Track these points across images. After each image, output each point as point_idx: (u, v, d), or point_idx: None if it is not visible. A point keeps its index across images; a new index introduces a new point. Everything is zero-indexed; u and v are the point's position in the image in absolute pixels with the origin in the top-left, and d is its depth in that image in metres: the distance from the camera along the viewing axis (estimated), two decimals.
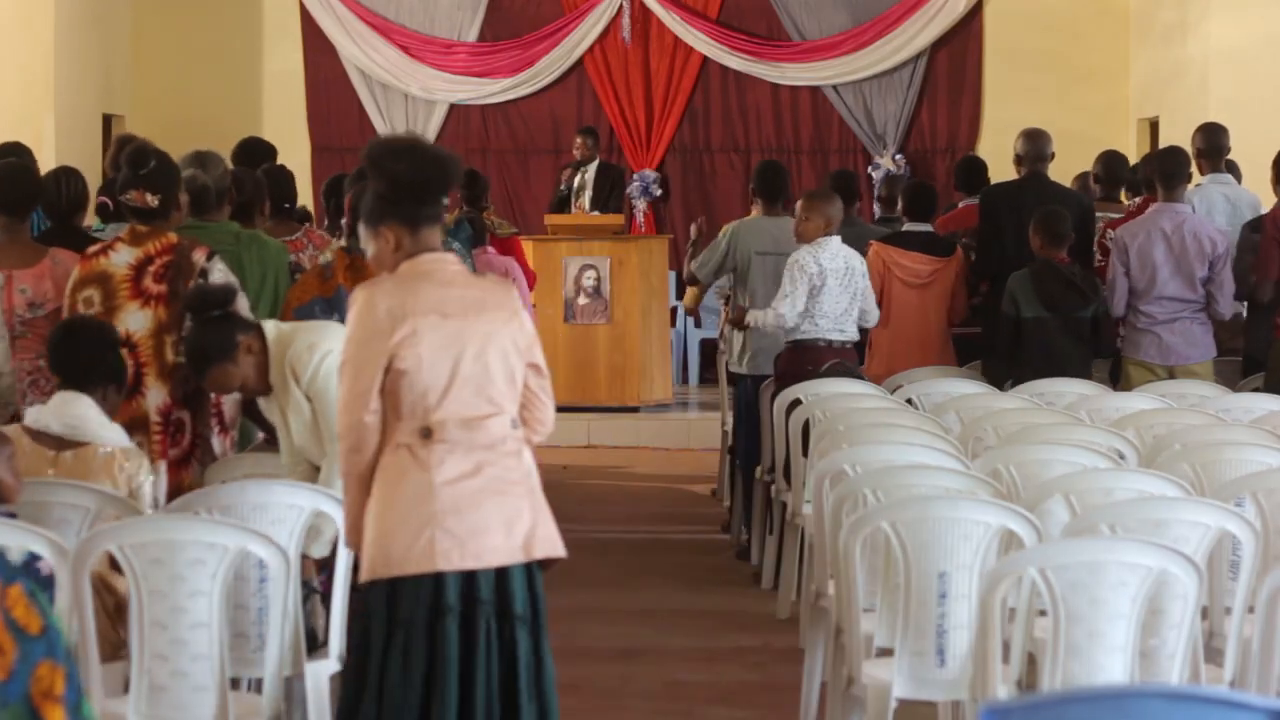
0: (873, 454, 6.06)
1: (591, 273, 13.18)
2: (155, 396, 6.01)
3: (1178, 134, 11.55)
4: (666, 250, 13.96)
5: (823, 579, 5.98)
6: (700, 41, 15.89)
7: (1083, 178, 11.13)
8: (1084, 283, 8.51)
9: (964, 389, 7.93)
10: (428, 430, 4.50)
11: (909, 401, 7.79)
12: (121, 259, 6.08)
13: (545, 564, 4.67)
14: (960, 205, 10.37)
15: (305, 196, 12.27)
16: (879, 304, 8.94)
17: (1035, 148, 9.43)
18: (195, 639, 4.74)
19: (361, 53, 16.06)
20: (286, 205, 7.68)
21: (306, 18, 16.11)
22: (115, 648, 4.97)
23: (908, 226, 9.56)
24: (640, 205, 15.94)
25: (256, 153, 8.46)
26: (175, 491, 5.79)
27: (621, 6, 15.84)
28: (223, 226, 6.73)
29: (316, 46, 16.16)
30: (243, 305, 5.74)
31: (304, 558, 5.20)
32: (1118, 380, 8.70)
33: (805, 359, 8.35)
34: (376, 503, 4.53)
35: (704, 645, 7.60)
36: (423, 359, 4.50)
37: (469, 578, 4.50)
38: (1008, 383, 8.21)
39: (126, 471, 5.28)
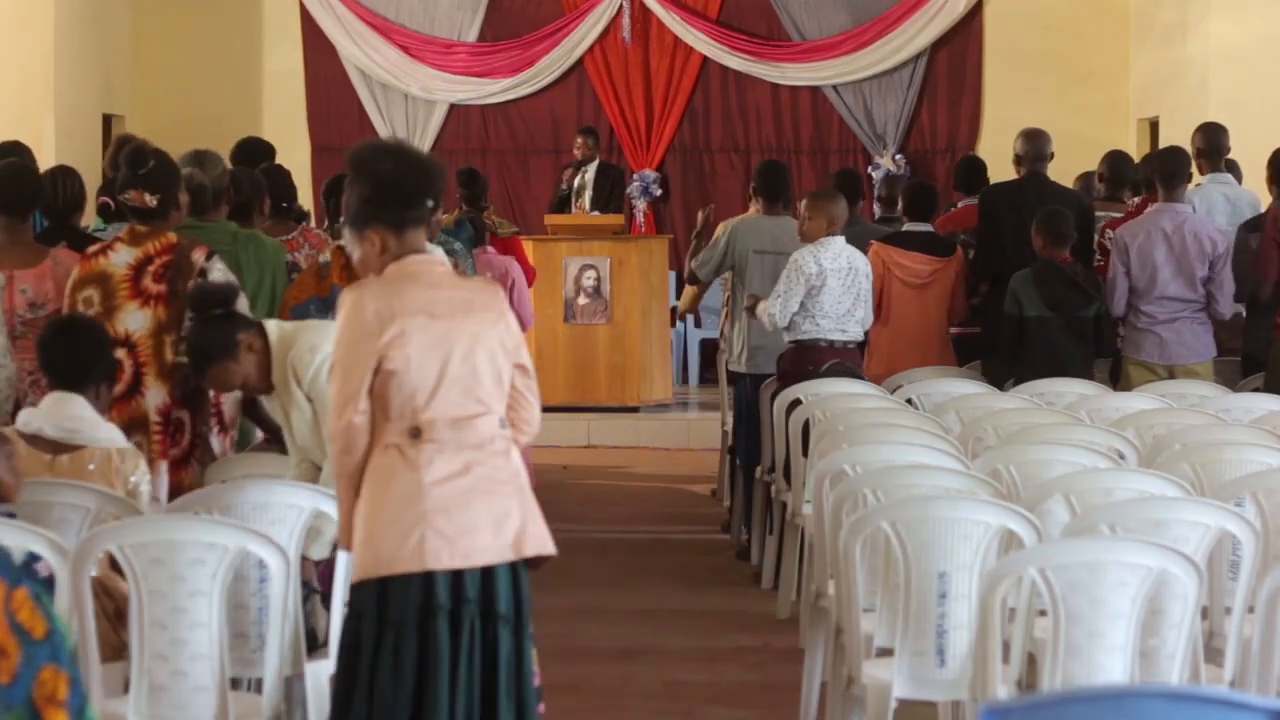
0: (873, 454, 6.06)
1: (591, 273, 13.18)
2: (155, 396, 6.01)
3: (1178, 134, 11.55)
4: (666, 250, 13.96)
5: (823, 579, 5.98)
6: (700, 41, 15.89)
7: (1085, 177, 11.13)
8: (1087, 282, 8.51)
9: (964, 389, 7.93)
10: (417, 430, 4.52)
11: (909, 401, 7.79)
12: (121, 259, 6.08)
13: (537, 562, 4.68)
14: (960, 205, 10.37)
15: (305, 196, 12.26)
16: (879, 304, 8.93)
17: (1035, 148, 9.43)
18: (195, 639, 4.74)
19: (361, 53, 16.06)
20: (284, 205, 7.69)
21: (306, 18, 16.11)
22: (116, 650, 4.97)
23: (908, 226, 9.56)
24: (640, 205, 15.94)
25: (255, 152, 8.46)
26: (175, 491, 5.79)
27: (621, 6, 15.84)
28: (220, 226, 6.73)
29: (316, 46, 16.15)
30: (242, 305, 5.74)
31: (303, 558, 5.20)
32: (1118, 380, 8.70)
33: (806, 359, 8.35)
34: (366, 503, 4.54)
35: (704, 645, 7.60)
36: (411, 359, 4.51)
37: (456, 577, 4.52)
38: (1008, 383, 8.21)
39: (123, 472, 5.28)
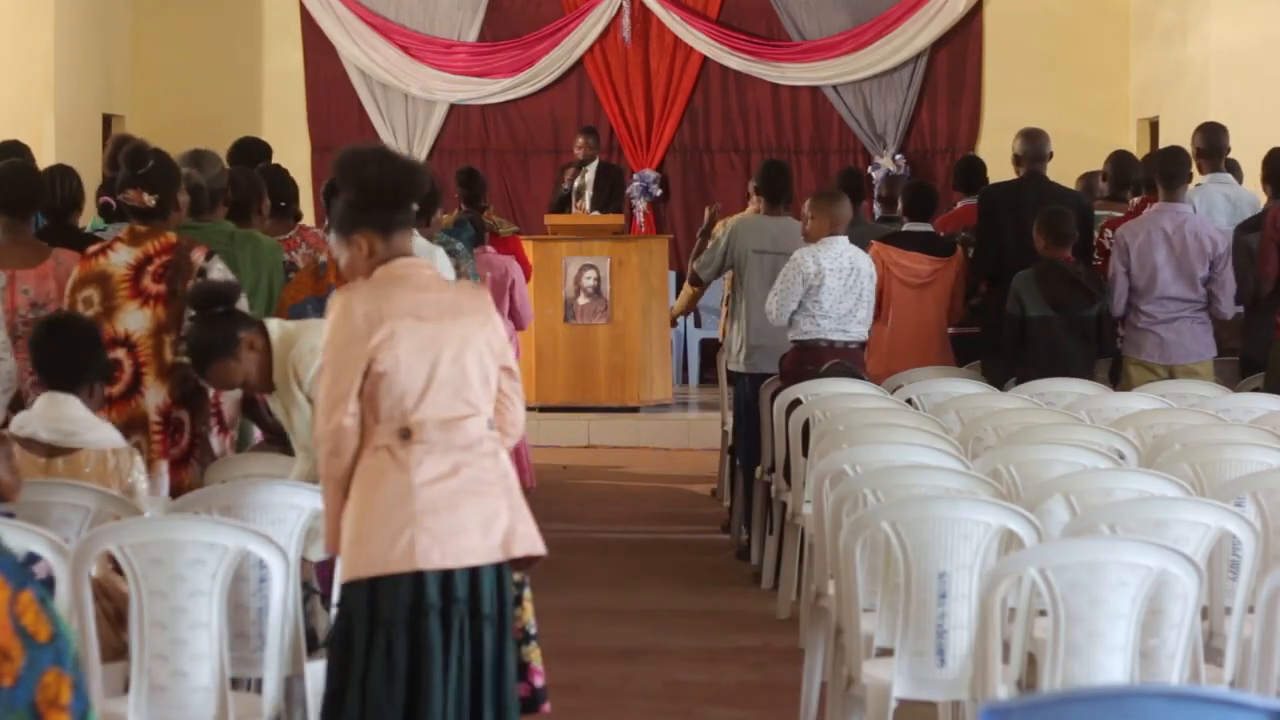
0: (873, 454, 6.06)
1: (591, 273, 13.18)
2: (154, 396, 6.01)
3: (1178, 134, 11.55)
4: (666, 250, 13.97)
5: (823, 579, 5.98)
6: (700, 41, 15.88)
7: (1088, 177, 11.13)
8: (1089, 282, 8.52)
9: (964, 389, 7.93)
10: (406, 431, 4.55)
11: (909, 401, 7.79)
12: (120, 259, 6.08)
13: (527, 562, 4.72)
14: (959, 205, 10.37)
15: (305, 196, 12.26)
16: (878, 303, 8.93)
17: (1033, 147, 9.43)
18: (195, 639, 4.74)
19: (361, 53, 16.05)
20: (282, 204, 7.69)
21: (306, 18, 16.11)
22: (116, 651, 4.97)
23: (907, 226, 9.56)
24: (640, 205, 15.93)
25: (252, 152, 8.45)
26: (175, 491, 5.80)
27: (621, 6, 15.84)
28: (217, 226, 6.73)
29: (316, 46, 16.15)
30: (244, 304, 5.74)
31: (303, 559, 5.20)
32: (1118, 380, 8.70)
33: (806, 359, 8.35)
34: (355, 504, 4.57)
35: (704, 645, 7.60)
36: (400, 361, 4.55)
37: (446, 576, 4.56)
38: (1008, 382, 8.21)
39: (120, 472, 5.27)
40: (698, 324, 15.12)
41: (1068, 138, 12.65)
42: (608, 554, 9.47)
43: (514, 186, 16.18)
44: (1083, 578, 4.56)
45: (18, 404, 5.92)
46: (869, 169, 15.65)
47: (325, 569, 5.30)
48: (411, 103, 16.13)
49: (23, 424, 5.27)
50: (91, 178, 7.89)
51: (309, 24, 16.11)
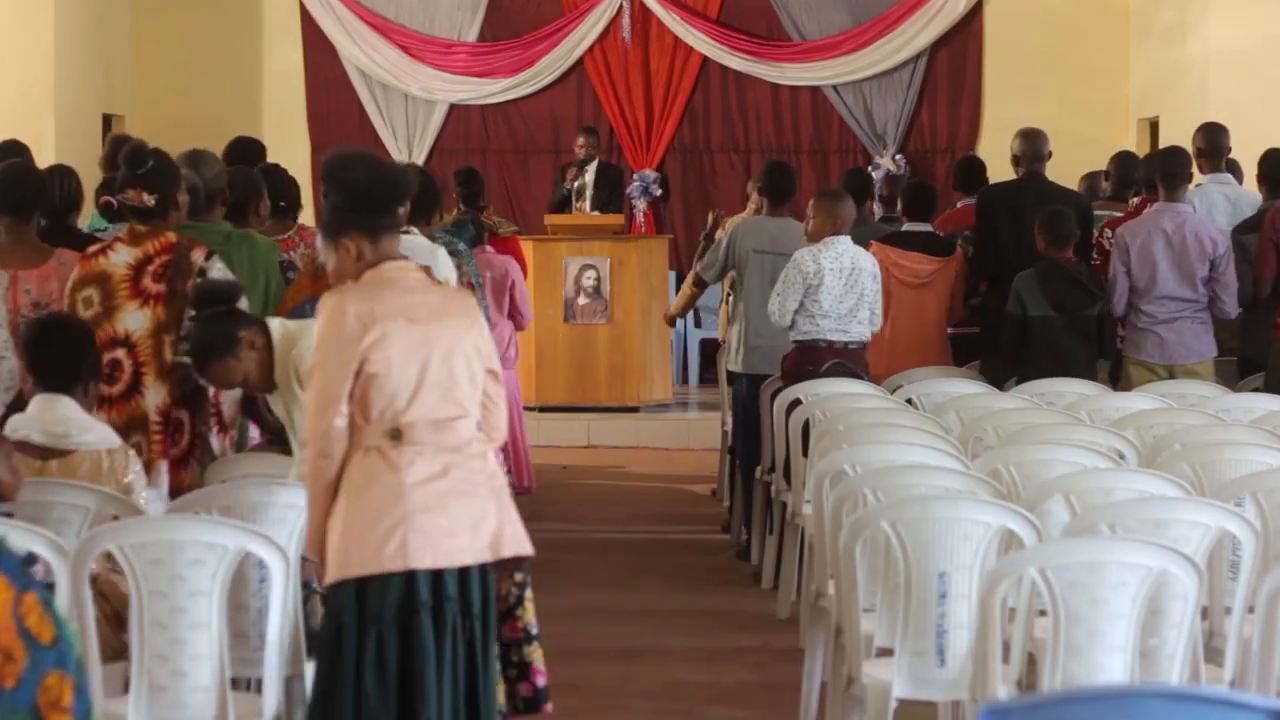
0: (873, 454, 6.06)
1: (591, 273, 13.18)
2: (154, 396, 6.01)
3: (1178, 134, 11.55)
4: (666, 250, 13.97)
5: (823, 579, 5.98)
6: (700, 41, 15.88)
7: (1091, 177, 11.13)
8: (1091, 282, 8.52)
9: (964, 389, 7.93)
10: (397, 432, 4.59)
11: (909, 401, 7.79)
12: (120, 259, 6.08)
13: (515, 562, 4.76)
14: (959, 205, 10.37)
15: (305, 196, 12.25)
16: None
17: (1032, 147, 9.43)
18: (195, 639, 4.75)
19: (361, 53, 16.05)
20: (282, 204, 7.69)
21: (306, 18, 16.10)
22: (116, 652, 4.97)
23: (907, 226, 9.56)
24: (640, 205, 15.93)
25: (247, 152, 8.45)
26: (175, 491, 5.79)
27: (621, 6, 15.84)
28: (214, 226, 6.72)
29: (316, 46, 16.15)
30: (245, 304, 5.73)
31: (303, 559, 5.20)
32: (1118, 380, 8.71)
33: (806, 359, 8.35)
34: (345, 504, 4.59)
35: (704, 645, 7.60)
36: (392, 362, 4.59)
37: (437, 576, 4.60)
38: (1008, 382, 8.21)
39: (115, 472, 5.26)
40: (698, 324, 15.12)
41: (1068, 138, 12.65)
42: (608, 554, 9.47)
43: (514, 186, 16.18)
44: (1083, 578, 4.56)
45: (20, 404, 5.91)
46: (869, 169, 15.65)
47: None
48: (411, 103, 16.13)
49: (16, 427, 5.26)
50: (91, 178, 7.88)
51: (309, 24, 16.11)
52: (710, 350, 14.34)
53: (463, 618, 4.63)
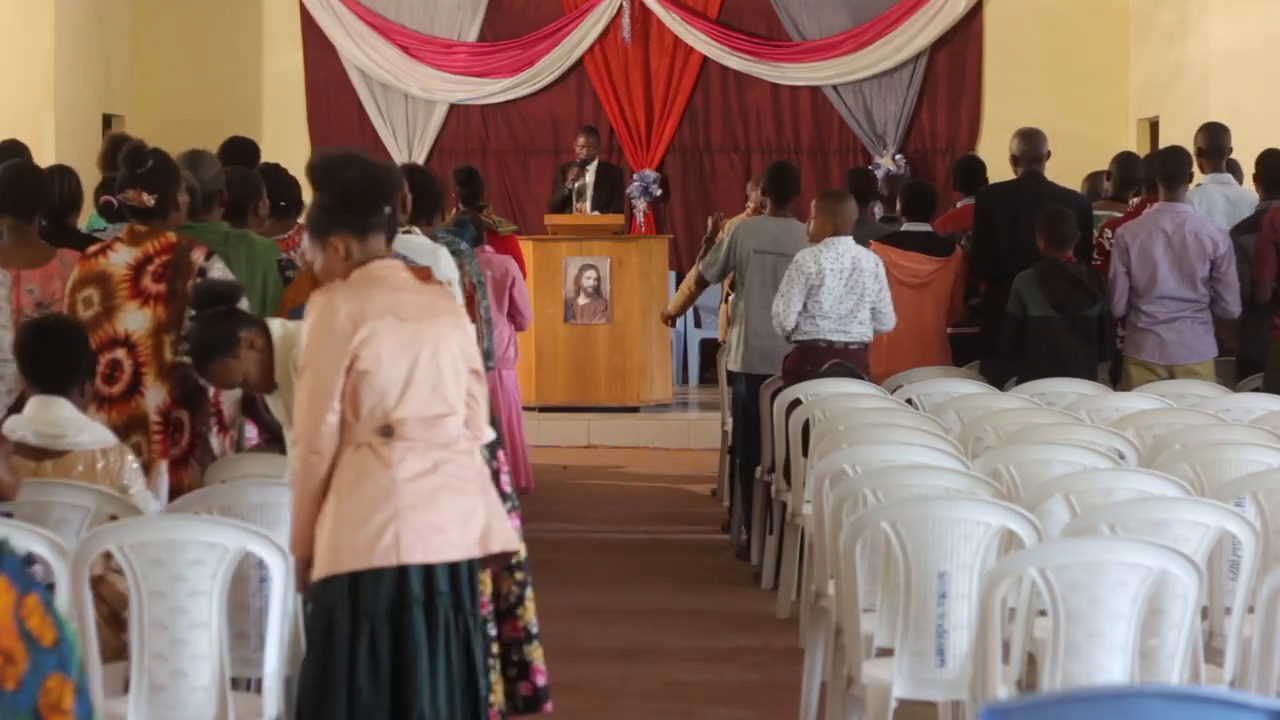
0: (873, 454, 6.06)
1: (591, 273, 13.18)
2: (154, 396, 6.01)
3: (1178, 134, 11.55)
4: (666, 250, 13.97)
5: (823, 579, 5.98)
6: (700, 41, 15.88)
7: (1094, 177, 11.13)
8: (1091, 282, 8.52)
9: (964, 389, 7.93)
10: (388, 428, 4.64)
11: (909, 401, 7.79)
12: (120, 259, 6.08)
13: (502, 557, 4.85)
14: (959, 205, 10.37)
15: (306, 196, 12.25)
16: None
17: (1031, 147, 9.43)
18: (195, 639, 4.75)
19: (361, 53, 16.05)
20: (282, 204, 7.69)
21: (306, 18, 16.10)
22: (116, 652, 4.97)
23: (906, 226, 9.56)
24: (640, 205, 15.93)
25: (242, 153, 8.45)
26: (175, 491, 5.79)
27: (621, 6, 15.84)
28: (211, 227, 6.71)
29: (316, 46, 16.15)
30: (246, 304, 5.73)
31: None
32: (1118, 380, 8.70)
33: (806, 359, 8.35)
34: (336, 500, 4.64)
35: (704, 645, 7.60)
36: (382, 359, 4.64)
37: (428, 571, 4.65)
38: (1008, 382, 8.21)
39: (111, 471, 5.26)
40: (698, 324, 15.12)
41: (1068, 138, 12.66)
42: (608, 554, 9.47)
43: (514, 186, 16.18)
44: (1083, 578, 4.56)
45: (21, 405, 5.91)
46: (869, 169, 15.65)
47: None
48: (411, 103, 16.12)
49: (12, 429, 5.25)
50: (91, 178, 7.88)
51: (309, 24, 16.10)
52: (710, 350, 14.34)
53: (455, 613, 4.69)
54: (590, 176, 13.71)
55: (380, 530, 4.58)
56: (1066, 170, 10.90)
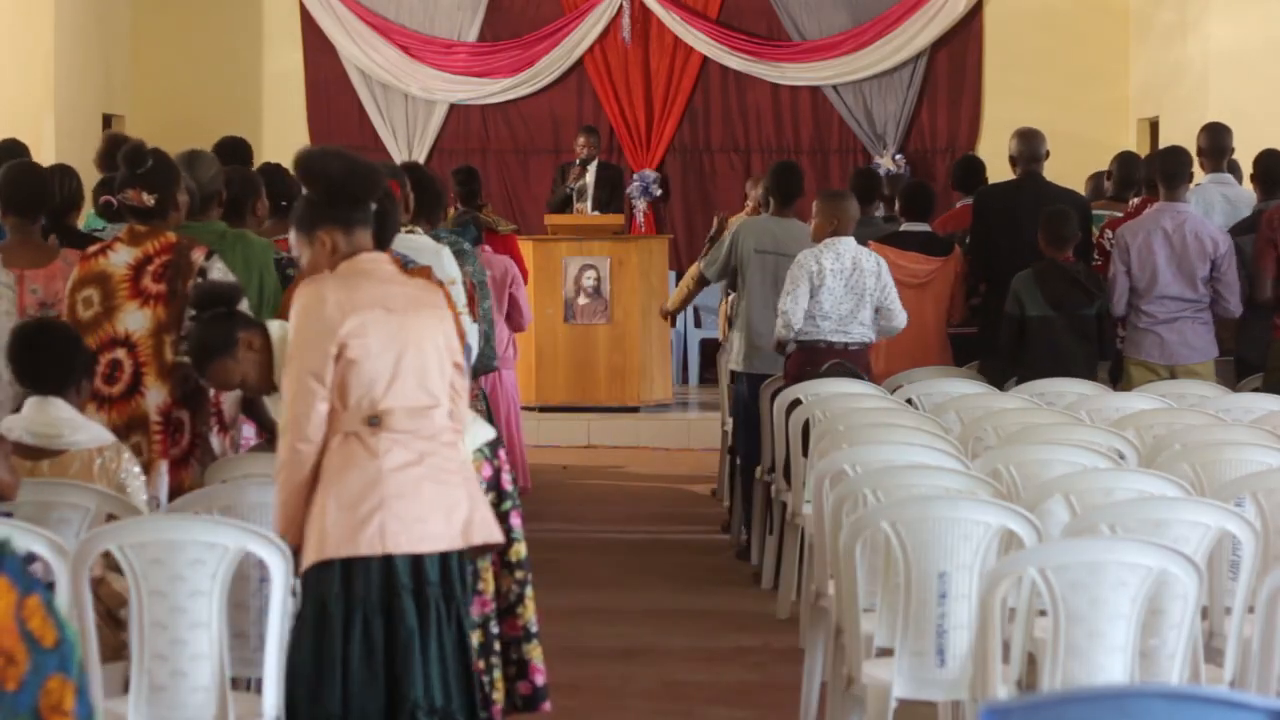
0: (873, 454, 6.06)
1: (591, 273, 13.18)
2: (155, 396, 6.00)
3: (1178, 134, 11.55)
4: (666, 250, 13.96)
5: (823, 579, 5.98)
6: (700, 41, 15.88)
7: (1095, 178, 11.12)
8: (1089, 281, 8.52)
9: (964, 389, 7.93)
10: (376, 418, 4.70)
11: (909, 401, 7.79)
12: (120, 259, 6.08)
13: (484, 549, 4.92)
14: (959, 205, 10.37)
15: None
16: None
17: (1030, 148, 9.43)
18: (195, 639, 4.75)
19: (361, 53, 16.05)
20: (283, 204, 7.69)
21: (306, 18, 16.10)
22: (115, 651, 4.97)
23: (905, 226, 9.56)
24: (640, 205, 15.93)
25: (236, 153, 8.44)
26: (175, 491, 5.79)
27: (621, 6, 15.84)
28: (208, 226, 6.71)
29: (316, 46, 16.15)
30: (245, 306, 5.73)
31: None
32: (1118, 380, 8.71)
33: (806, 360, 8.35)
34: (324, 489, 4.69)
35: (704, 645, 7.60)
36: (370, 349, 4.69)
37: (416, 561, 4.70)
38: (1008, 382, 8.21)
39: (108, 470, 5.25)
40: (698, 324, 15.12)
41: (1068, 138, 12.66)
42: (608, 554, 9.47)
43: (514, 186, 16.18)
44: (1083, 578, 4.56)
45: (21, 405, 5.91)
46: (873, 169, 15.64)
47: None
48: (411, 103, 16.12)
49: (9, 429, 5.25)
50: (91, 178, 7.88)
51: (309, 24, 16.10)
52: (710, 350, 14.34)
53: (446, 602, 4.73)
54: (590, 176, 13.70)
55: (365, 519, 4.64)
56: (1066, 170, 10.90)
